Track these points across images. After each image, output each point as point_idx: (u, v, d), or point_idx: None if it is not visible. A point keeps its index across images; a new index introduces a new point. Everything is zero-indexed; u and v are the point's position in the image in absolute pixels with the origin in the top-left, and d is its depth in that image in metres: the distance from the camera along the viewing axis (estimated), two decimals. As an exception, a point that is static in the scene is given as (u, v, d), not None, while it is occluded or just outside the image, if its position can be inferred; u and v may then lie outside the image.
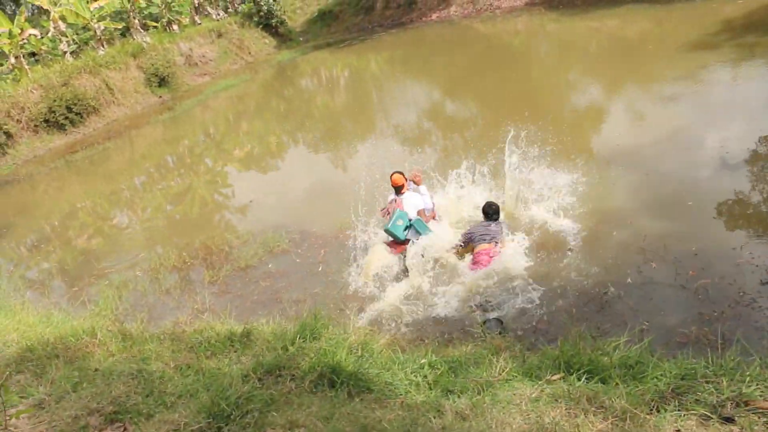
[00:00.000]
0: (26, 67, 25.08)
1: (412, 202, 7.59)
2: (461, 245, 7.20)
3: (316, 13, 37.08)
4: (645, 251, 6.38)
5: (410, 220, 7.33)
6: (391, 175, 7.75)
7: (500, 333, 5.35)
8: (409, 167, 8.90)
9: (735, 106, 9.81)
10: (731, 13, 17.05)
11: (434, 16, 31.59)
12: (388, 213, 7.48)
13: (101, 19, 28.72)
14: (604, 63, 15.63)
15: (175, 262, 8.76)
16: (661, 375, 3.65)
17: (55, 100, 22.08)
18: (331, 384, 4.04)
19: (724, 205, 6.97)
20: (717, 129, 9.03)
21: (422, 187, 7.88)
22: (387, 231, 7.32)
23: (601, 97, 12.12)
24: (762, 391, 3.18)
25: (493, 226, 7.04)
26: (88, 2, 27.96)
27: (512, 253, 6.80)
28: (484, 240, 6.92)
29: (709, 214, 6.86)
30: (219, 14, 35.94)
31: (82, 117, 22.86)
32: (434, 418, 3.41)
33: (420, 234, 7.24)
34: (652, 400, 3.26)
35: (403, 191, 7.70)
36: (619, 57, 16.02)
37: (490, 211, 7.15)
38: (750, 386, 3.22)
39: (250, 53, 32.39)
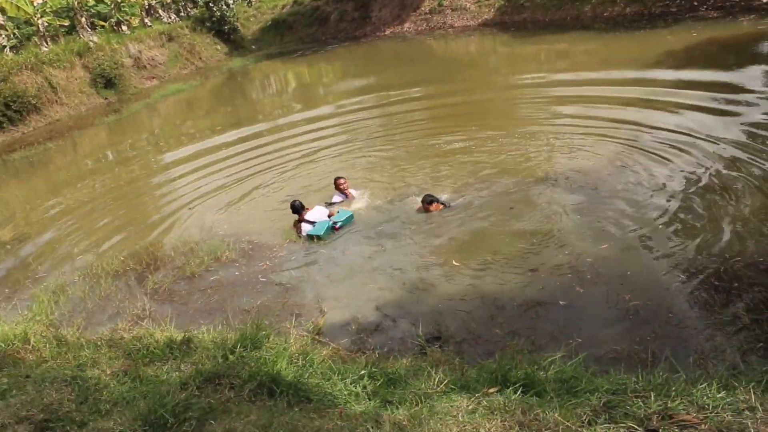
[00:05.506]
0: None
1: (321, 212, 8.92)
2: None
3: (270, 22, 36.94)
4: (578, 272, 6.61)
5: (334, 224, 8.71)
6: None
7: (440, 347, 5.47)
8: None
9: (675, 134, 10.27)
10: (675, 44, 18.07)
11: (388, 32, 31.92)
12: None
13: (45, 14, 27.88)
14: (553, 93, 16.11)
15: (117, 267, 8.57)
16: (594, 390, 3.81)
17: (-9, 96, 21.29)
18: (270, 393, 4.05)
19: (655, 229, 7.30)
20: (660, 156, 9.45)
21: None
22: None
23: (542, 119, 12.50)
24: (685, 405, 3.36)
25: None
26: (31, -4, 27.16)
27: None
28: None
29: (642, 238, 7.18)
30: (170, 17, 35.38)
31: (21, 115, 22.10)
32: (372, 428, 3.46)
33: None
34: (585, 414, 3.40)
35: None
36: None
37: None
38: (675, 400, 3.40)
39: (200, 58, 32.00)
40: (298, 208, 8.82)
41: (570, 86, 15.32)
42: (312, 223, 8.68)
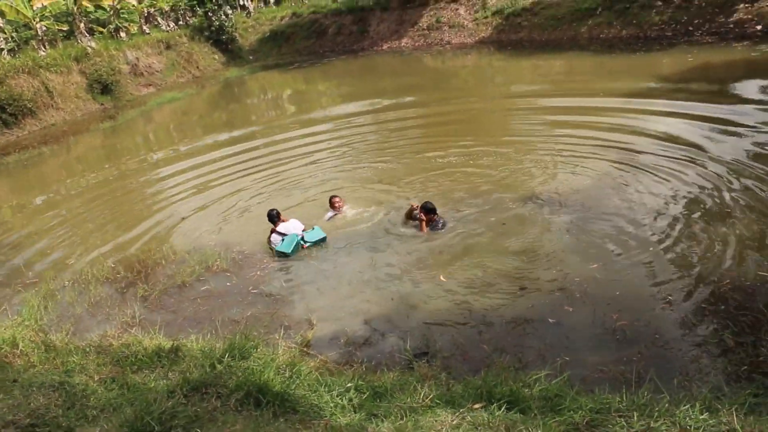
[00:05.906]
0: (-43, 61, 24.05)
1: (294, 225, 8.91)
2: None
3: (268, 34, 37.10)
4: (567, 290, 6.66)
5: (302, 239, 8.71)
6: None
7: (427, 362, 5.49)
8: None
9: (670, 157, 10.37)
10: (671, 66, 18.42)
11: (385, 47, 32.14)
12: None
13: (44, 18, 27.90)
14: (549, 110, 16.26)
15: (107, 274, 8.55)
16: (578, 408, 3.84)
17: (-14, 98, 21.26)
18: (257, 403, 4.06)
19: (646, 250, 7.37)
20: (656, 175, 9.55)
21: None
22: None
23: (538, 135, 12.59)
24: (668, 426, 3.40)
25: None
26: (30, 0, 27.16)
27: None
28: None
29: (632, 259, 7.23)
30: (169, 26, 35.49)
31: (16, 118, 22.08)
32: (357, 440, 3.49)
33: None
34: (567, 432, 3.44)
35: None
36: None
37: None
38: (658, 421, 3.44)
39: (197, 67, 32.10)
40: (273, 217, 8.88)
41: (567, 102, 15.46)
42: (283, 235, 8.68)
